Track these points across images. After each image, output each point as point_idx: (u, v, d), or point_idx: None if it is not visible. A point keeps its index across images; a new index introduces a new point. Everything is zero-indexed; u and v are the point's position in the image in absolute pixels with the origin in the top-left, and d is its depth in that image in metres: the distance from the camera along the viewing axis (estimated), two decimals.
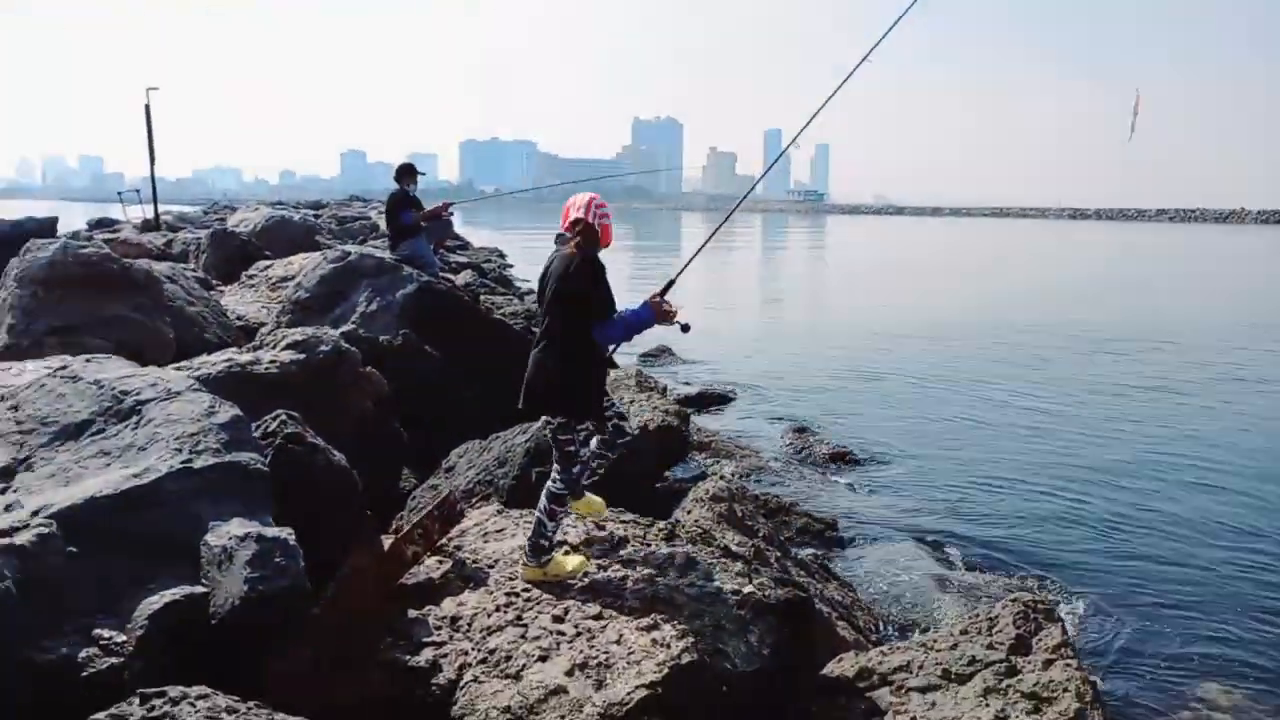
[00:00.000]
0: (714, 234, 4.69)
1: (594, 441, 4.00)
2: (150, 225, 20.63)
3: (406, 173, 10.11)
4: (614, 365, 3.95)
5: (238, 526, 2.85)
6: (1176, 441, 10.20)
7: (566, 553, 3.93)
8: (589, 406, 3.74)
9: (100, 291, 6.28)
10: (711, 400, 11.83)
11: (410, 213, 9.94)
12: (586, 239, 3.67)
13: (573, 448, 3.79)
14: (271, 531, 2.86)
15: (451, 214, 11.59)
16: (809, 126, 4.62)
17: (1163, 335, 17.91)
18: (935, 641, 3.91)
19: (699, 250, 4.34)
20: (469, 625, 3.56)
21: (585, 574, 3.80)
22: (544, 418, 3.91)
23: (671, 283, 3.97)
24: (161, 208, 24.11)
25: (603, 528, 4.28)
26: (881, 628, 5.65)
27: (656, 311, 3.76)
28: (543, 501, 3.79)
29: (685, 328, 3.88)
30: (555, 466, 3.82)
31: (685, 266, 4.10)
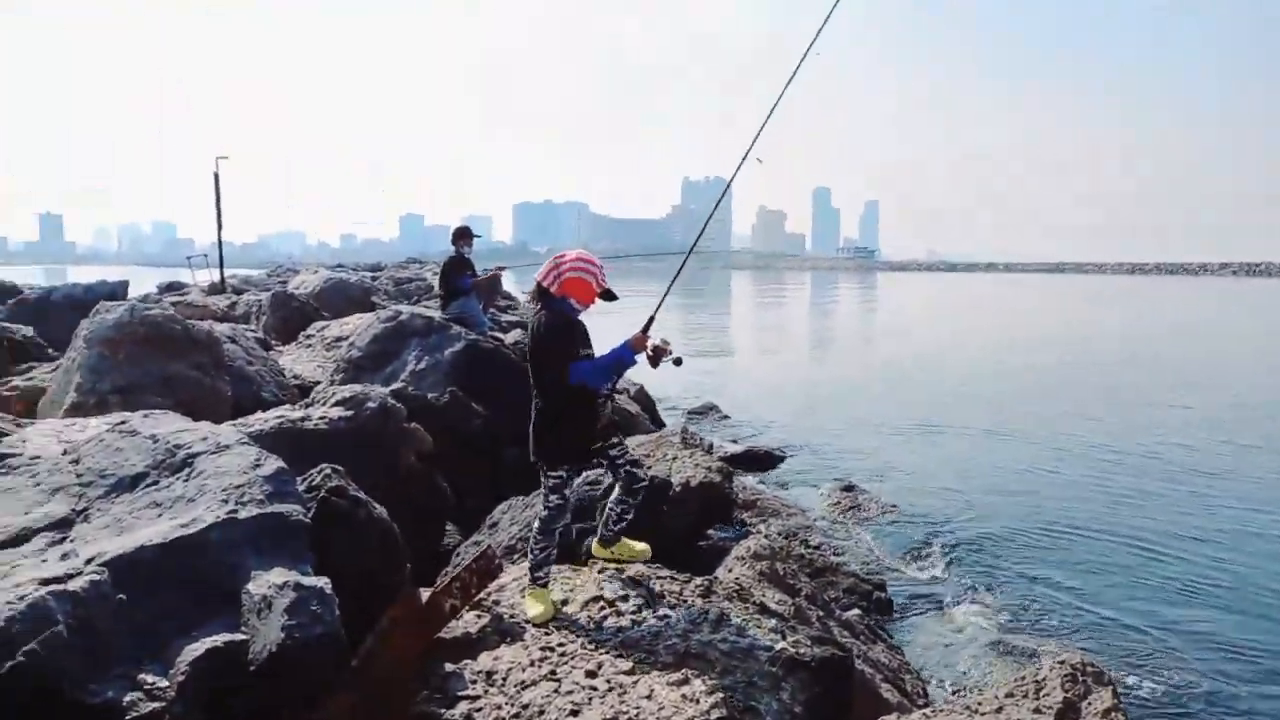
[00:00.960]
0: (677, 274, 4.74)
1: (616, 490, 4.13)
2: (216, 288, 21.47)
3: (462, 235, 10.43)
4: (595, 410, 4.02)
5: (278, 575, 2.94)
6: (1245, 500, 9.84)
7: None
8: (553, 452, 4.02)
9: (163, 351, 6.56)
10: (758, 458, 11.75)
11: (468, 278, 10.23)
12: (543, 300, 3.96)
13: (552, 492, 4.06)
14: (309, 580, 2.94)
15: (499, 278, 11.88)
16: (764, 130, 4.67)
17: (1225, 390, 17.34)
18: (980, 704, 3.80)
19: (669, 289, 4.41)
20: (504, 679, 3.58)
21: (619, 630, 3.81)
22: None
23: (651, 319, 4.09)
24: (228, 271, 25.10)
25: (640, 583, 4.29)
26: (929, 692, 5.50)
27: (636, 346, 3.94)
28: (534, 527, 4.13)
29: (678, 361, 4.05)
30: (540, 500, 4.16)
31: (659, 304, 4.19)
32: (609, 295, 4.10)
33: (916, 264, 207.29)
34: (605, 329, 4.09)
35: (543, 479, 4.13)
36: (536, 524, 4.14)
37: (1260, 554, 8.22)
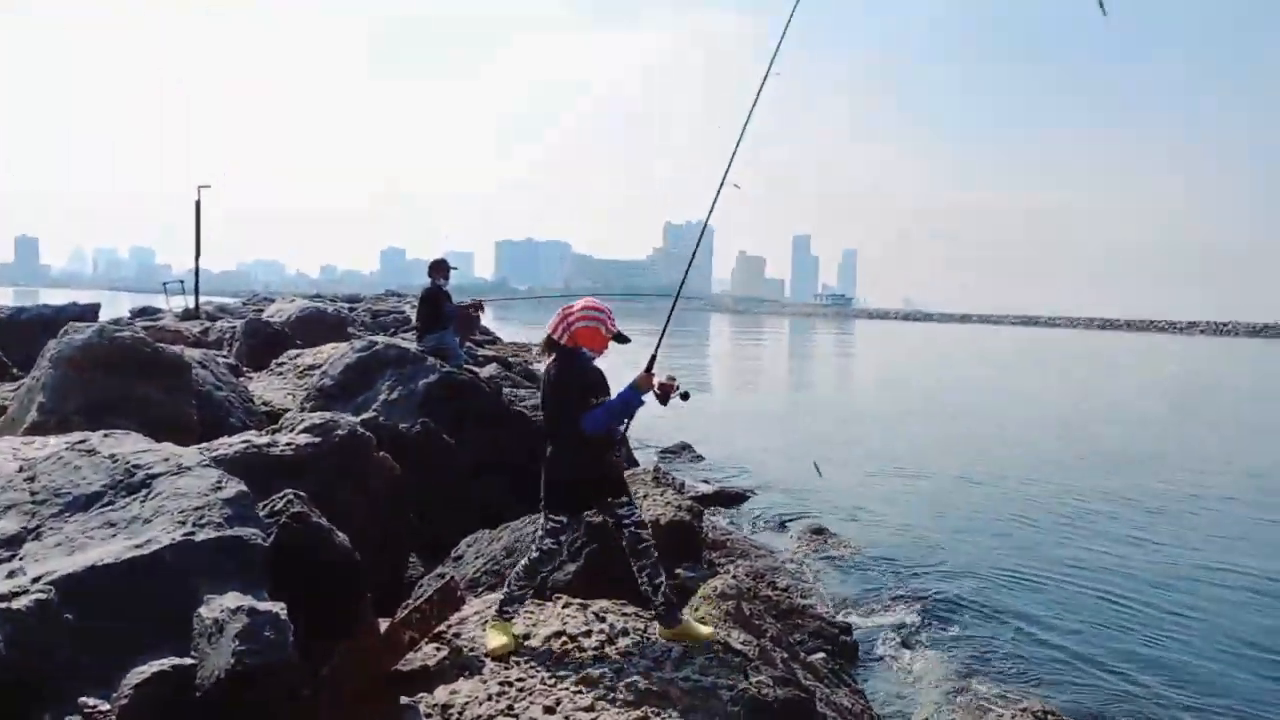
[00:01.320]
0: (671, 313, 4.77)
1: (630, 558, 4.11)
2: (190, 314, 21.30)
3: (438, 268, 10.46)
4: (604, 458, 4.02)
5: (231, 599, 2.88)
6: (1212, 546, 9.96)
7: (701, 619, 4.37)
8: (559, 496, 4.05)
9: (130, 373, 6.48)
10: (728, 498, 11.73)
11: (453, 305, 10.27)
12: (555, 352, 4.04)
13: (548, 535, 4.08)
14: (264, 605, 2.89)
15: (482, 311, 11.88)
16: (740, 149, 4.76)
17: (1189, 442, 17.59)
18: None
19: (665, 328, 4.42)
20: (460, 713, 3.52)
21: (580, 666, 3.77)
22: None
23: (653, 357, 4.13)
24: (203, 298, 24.92)
25: (603, 618, 4.24)
26: None
27: (642, 386, 3.99)
28: (520, 565, 4.15)
29: (685, 395, 4.08)
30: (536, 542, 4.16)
31: (659, 343, 4.22)
32: (621, 339, 4.14)
33: (893, 313, 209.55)
34: (608, 369, 4.11)
35: (542, 521, 4.13)
36: (524, 563, 4.12)
37: (1227, 600, 8.31)
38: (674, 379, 4.11)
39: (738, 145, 4.77)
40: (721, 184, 4.73)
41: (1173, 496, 12.90)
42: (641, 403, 4.05)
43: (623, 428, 4.22)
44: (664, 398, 4.07)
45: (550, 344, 4.07)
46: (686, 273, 5.49)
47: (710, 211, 4.75)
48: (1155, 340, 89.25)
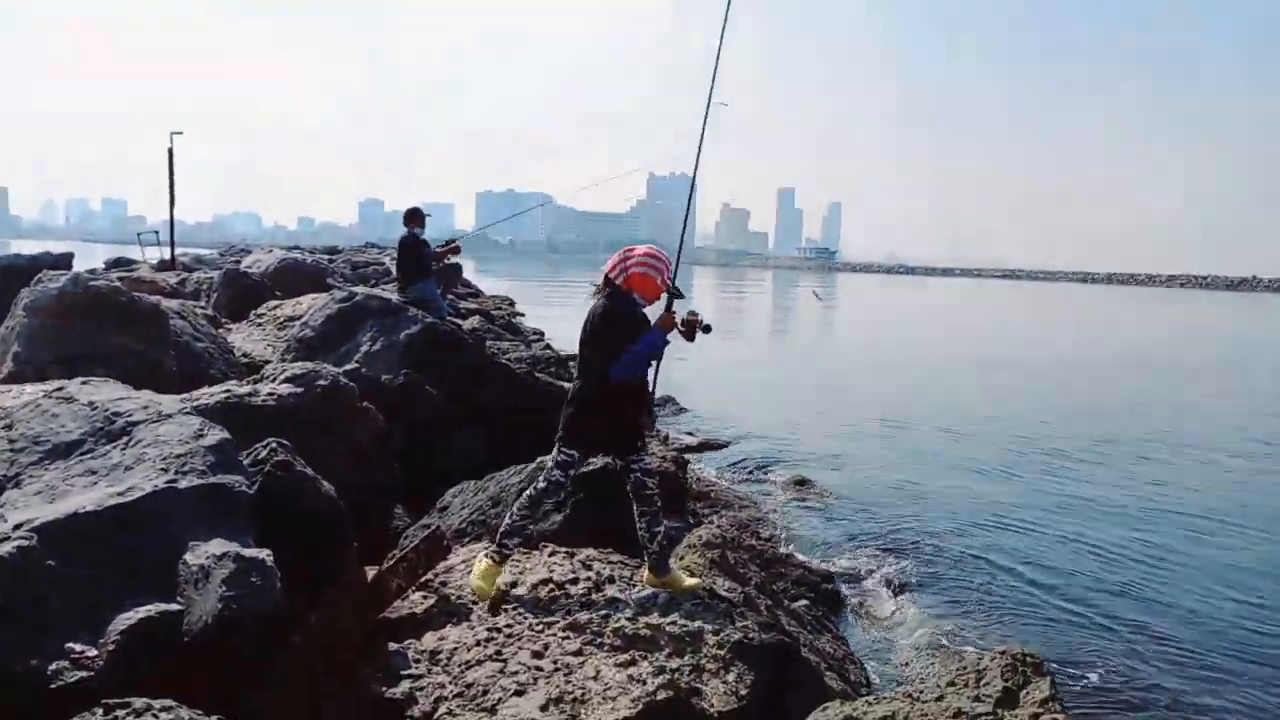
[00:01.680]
0: (677, 261, 4.73)
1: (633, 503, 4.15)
2: (166, 265, 20.94)
3: (413, 216, 10.36)
4: (628, 400, 4.04)
5: (217, 546, 2.86)
6: (1179, 490, 10.17)
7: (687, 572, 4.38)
8: (569, 435, 4.07)
9: (106, 323, 6.37)
10: (712, 449, 11.80)
11: (430, 250, 10.23)
12: (609, 289, 4.06)
13: (557, 468, 4.11)
14: (250, 552, 2.87)
15: (458, 251, 11.77)
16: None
17: (1170, 396, 17.83)
18: (922, 693, 3.85)
19: (675, 265, 4.36)
20: (448, 659, 3.55)
21: (568, 612, 3.80)
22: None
23: (672, 297, 4.13)
24: (179, 250, 24.49)
25: (589, 566, 4.27)
26: (873, 681, 5.56)
27: (665, 326, 4.03)
28: (525, 494, 4.18)
29: (707, 328, 4.13)
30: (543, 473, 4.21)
31: (673, 282, 4.17)
32: (676, 293, 4.15)
33: (877, 266, 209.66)
34: None
35: (554, 453, 4.15)
36: (530, 492, 4.16)
37: (1212, 544, 8.50)
38: (695, 314, 4.13)
39: (717, 63, 4.68)
40: (709, 103, 4.66)
41: (1156, 446, 13.10)
42: (667, 342, 4.07)
43: (651, 383, 4.21)
44: (689, 334, 4.09)
45: (606, 283, 4.10)
46: (685, 228, 5.42)
47: (703, 131, 4.65)
48: (1136, 294, 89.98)
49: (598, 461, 4.89)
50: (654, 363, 4.17)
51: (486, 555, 4.08)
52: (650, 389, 4.29)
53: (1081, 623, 6.61)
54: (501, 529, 4.15)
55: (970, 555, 8.02)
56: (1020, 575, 7.55)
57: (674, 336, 4.12)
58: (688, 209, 5.49)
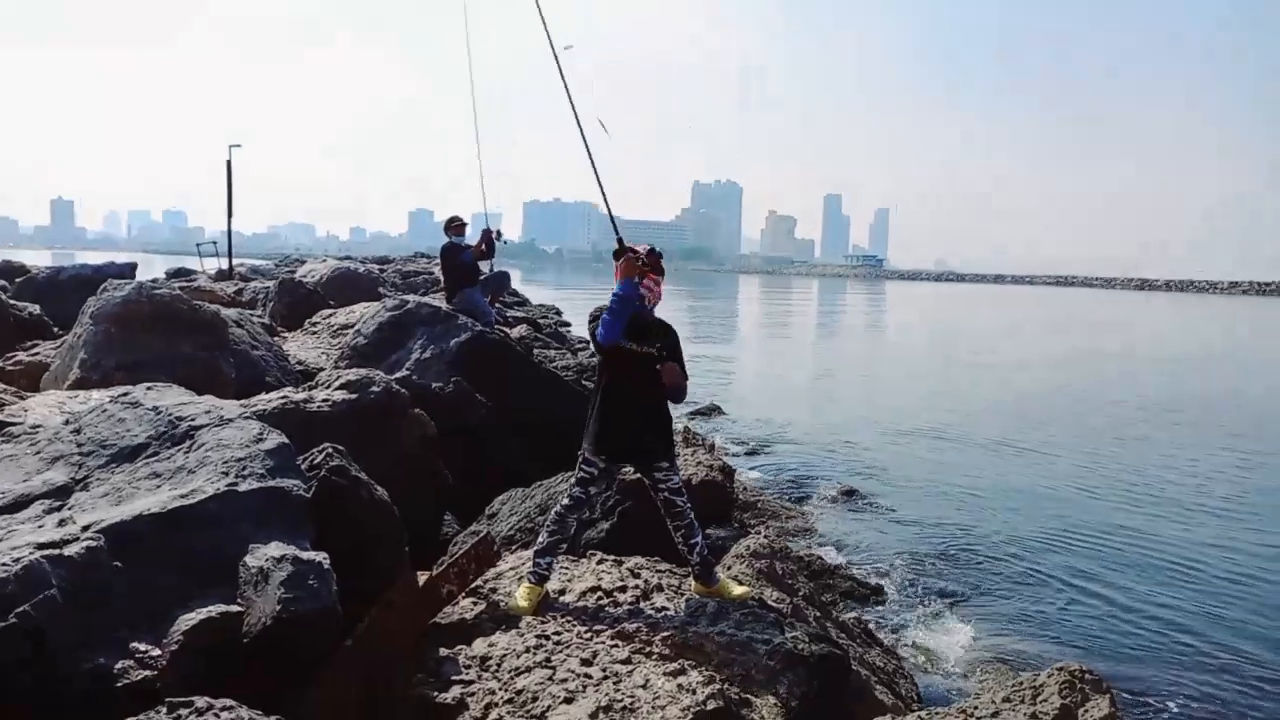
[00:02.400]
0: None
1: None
2: (224, 275, 21.50)
3: (453, 224, 10.68)
4: (626, 398, 4.02)
5: (276, 549, 2.92)
6: (1259, 515, 9.78)
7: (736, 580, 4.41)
8: (592, 444, 4.08)
9: (169, 331, 6.56)
10: (760, 459, 11.73)
11: (469, 251, 10.47)
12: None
13: (579, 484, 4.12)
14: (307, 555, 2.93)
15: (498, 238, 11.85)
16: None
17: (1228, 407, 17.26)
18: (976, 708, 3.78)
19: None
20: (498, 665, 3.57)
21: (616, 620, 3.80)
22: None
23: (620, 241, 4.15)
24: (236, 260, 25.13)
25: (637, 574, 4.27)
26: (924, 695, 5.46)
27: (626, 272, 3.97)
28: (551, 512, 4.20)
29: (658, 253, 4.12)
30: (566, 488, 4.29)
31: (615, 227, 4.27)
32: (657, 267, 4.11)
33: (925, 274, 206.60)
34: None
35: (577, 467, 4.16)
36: (555, 511, 4.17)
37: (1272, 570, 8.16)
38: (650, 246, 4.13)
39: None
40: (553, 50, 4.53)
41: (1224, 461, 12.67)
42: (635, 290, 3.96)
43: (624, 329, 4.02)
44: (656, 265, 4.05)
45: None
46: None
47: (562, 77, 4.49)
48: (1192, 302, 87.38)
49: (632, 473, 4.89)
50: (628, 314, 3.97)
51: (524, 583, 4.08)
52: (652, 388, 4.15)
53: (1144, 641, 6.40)
54: (534, 549, 4.16)
55: (1025, 568, 7.84)
56: (1079, 589, 7.35)
57: None
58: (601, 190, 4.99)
